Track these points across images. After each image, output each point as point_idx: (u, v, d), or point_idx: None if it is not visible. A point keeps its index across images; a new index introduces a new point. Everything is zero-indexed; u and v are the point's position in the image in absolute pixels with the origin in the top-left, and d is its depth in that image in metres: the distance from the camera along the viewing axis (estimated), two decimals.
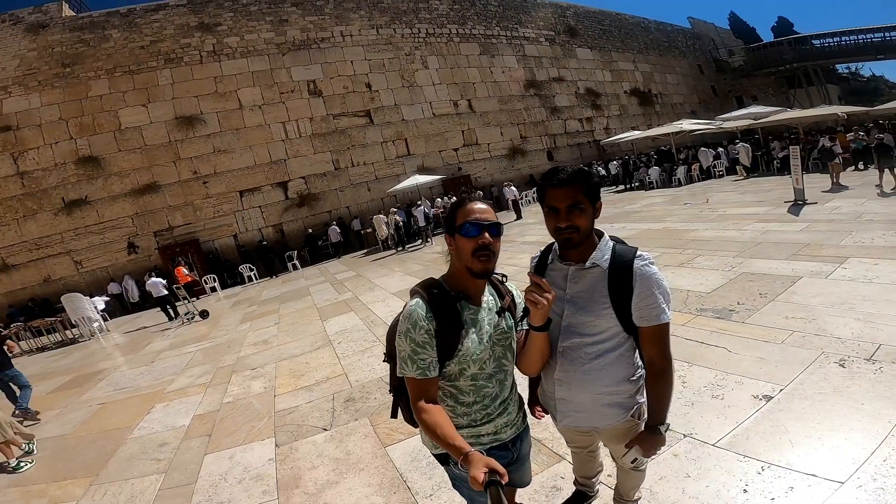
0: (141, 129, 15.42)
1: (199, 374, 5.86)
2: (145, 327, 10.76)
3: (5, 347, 5.51)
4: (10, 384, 5.47)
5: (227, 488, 3.03)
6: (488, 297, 1.43)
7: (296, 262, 15.73)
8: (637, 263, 1.39)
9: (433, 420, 1.23)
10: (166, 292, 10.62)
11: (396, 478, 2.72)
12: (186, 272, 12.07)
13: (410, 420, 1.51)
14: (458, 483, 1.44)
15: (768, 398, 2.69)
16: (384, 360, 1.57)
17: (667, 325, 1.40)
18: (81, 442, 4.40)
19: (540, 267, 1.58)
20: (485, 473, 1.05)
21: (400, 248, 14.14)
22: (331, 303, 8.48)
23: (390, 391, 1.57)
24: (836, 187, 9.81)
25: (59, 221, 14.57)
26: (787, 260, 5.28)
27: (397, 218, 14.39)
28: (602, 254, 1.43)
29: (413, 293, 1.38)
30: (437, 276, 1.42)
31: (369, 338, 5.72)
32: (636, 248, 1.44)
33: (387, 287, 8.63)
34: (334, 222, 17.24)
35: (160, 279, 10.87)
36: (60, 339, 11.23)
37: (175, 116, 15.77)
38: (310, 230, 16.97)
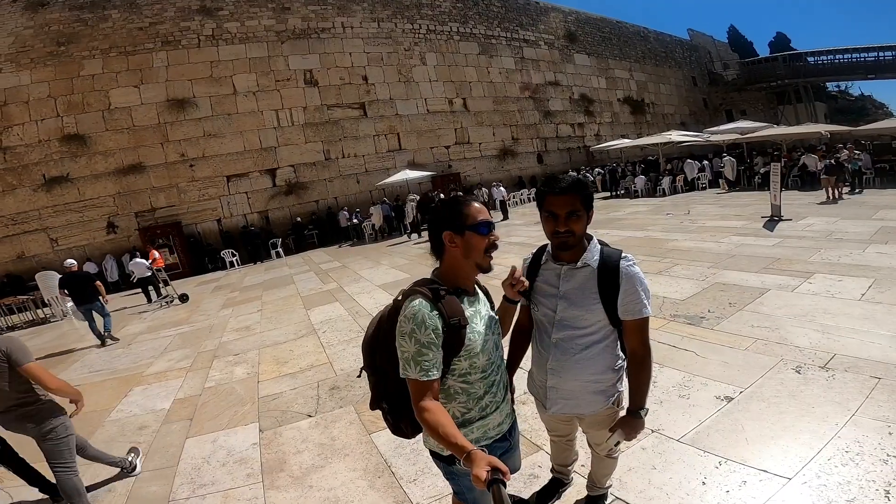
0: (131, 109, 15.18)
1: (178, 357, 5.82)
2: (123, 308, 10.57)
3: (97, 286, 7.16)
4: (94, 316, 7.18)
5: (211, 471, 3.04)
6: (476, 289, 1.50)
7: (279, 249, 15.65)
8: (623, 264, 1.55)
9: (435, 419, 1.22)
10: (150, 273, 10.49)
11: (381, 463, 2.81)
12: (157, 255, 11.31)
13: (411, 431, 1.48)
14: (457, 478, 1.44)
15: (729, 399, 2.88)
16: (359, 376, 1.55)
17: (647, 318, 1.57)
18: None
19: (533, 267, 1.72)
20: (487, 472, 1.05)
21: (415, 235, 14.22)
22: (315, 292, 8.49)
23: (372, 407, 1.53)
24: (829, 201, 10.36)
25: (37, 198, 14.25)
26: (758, 273, 5.52)
27: (412, 204, 14.64)
28: (592, 255, 1.58)
29: (411, 293, 1.34)
30: (417, 270, 1.49)
31: (354, 328, 5.77)
32: (621, 251, 1.60)
33: (372, 279, 8.66)
34: (343, 209, 17.43)
35: (144, 260, 10.71)
36: (31, 318, 10.90)
37: (167, 99, 15.56)
38: (298, 218, 16.92)
